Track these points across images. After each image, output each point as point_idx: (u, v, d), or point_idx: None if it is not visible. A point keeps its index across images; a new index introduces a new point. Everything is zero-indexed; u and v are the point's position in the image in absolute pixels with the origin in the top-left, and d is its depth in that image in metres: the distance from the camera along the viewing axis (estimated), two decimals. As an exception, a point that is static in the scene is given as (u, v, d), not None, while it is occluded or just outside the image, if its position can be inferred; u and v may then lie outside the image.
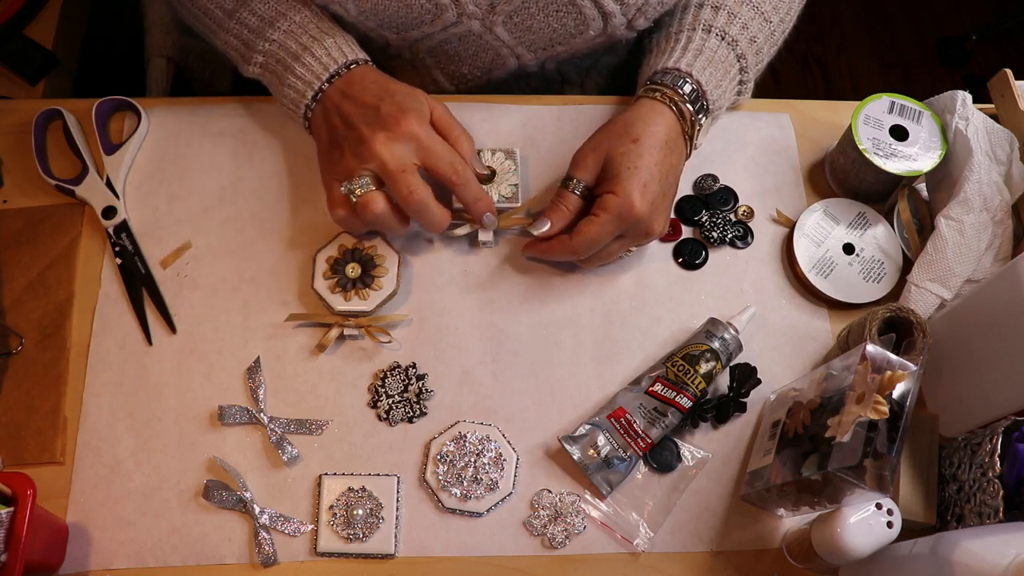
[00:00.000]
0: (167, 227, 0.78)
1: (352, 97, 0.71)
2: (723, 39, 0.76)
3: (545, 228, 0.72)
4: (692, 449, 0.72)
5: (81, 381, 0.72)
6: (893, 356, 0.61)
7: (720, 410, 0.73)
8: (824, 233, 0.80)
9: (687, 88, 0.73)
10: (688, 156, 0.76)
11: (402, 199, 0.69)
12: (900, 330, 0.72)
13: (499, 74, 0.85)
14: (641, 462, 0.72)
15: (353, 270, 0.74)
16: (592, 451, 0.70)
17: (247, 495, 0.68)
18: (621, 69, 0.94)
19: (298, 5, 0.75)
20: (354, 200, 0.70)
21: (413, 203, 0.69)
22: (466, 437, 0.71)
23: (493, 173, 0.78)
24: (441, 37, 0.79)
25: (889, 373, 0.58)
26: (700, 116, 0.74)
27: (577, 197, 0.72)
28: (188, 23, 0.82)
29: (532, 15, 0.75)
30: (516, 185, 0.77)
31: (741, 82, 0.79)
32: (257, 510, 0.68)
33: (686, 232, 0.81)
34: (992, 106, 0.83)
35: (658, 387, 0.71)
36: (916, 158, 0.77)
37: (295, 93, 0.74)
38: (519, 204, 0.77)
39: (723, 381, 0.74)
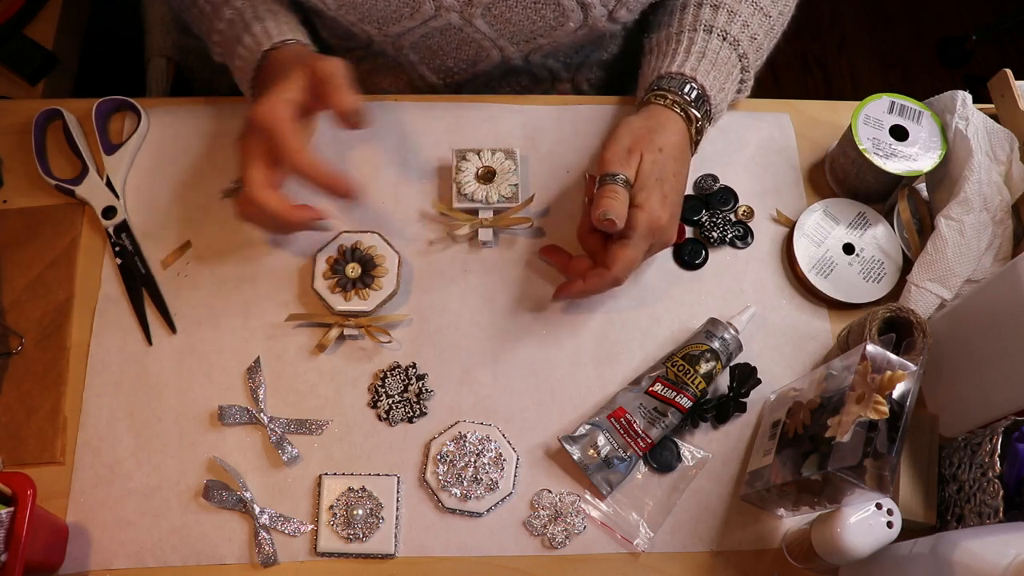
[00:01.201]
0: (167, 227, 0.78)
1: (263, 83, 0.72)
2: (725, 39, 0.76)
3: (619, 224, 0.67)
4: (692, 449, 0.72)
5: (81, 381, 0.72)
6: (893, 356, 0.61)
7: (720, 410, 0.73)
8: (824, 233, 0.80)
9: (693, 94, 0.73)
10: (690, 162, 0.76)
11: (248, 193, 0.67)
12: (900, 330, 0.72)
13: (484, 67, 0.85)
14: (641, 462, 0.72)
15: (353, 270, 0.74)
16: (592, 451, 0.70)
17: (247, 495, 0.68)
18: (614, 64, 0.94)
19: None
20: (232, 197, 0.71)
21: (255, 199, 0.67)
22: (466, 437, 0.71)
23: (493, 173, 0.78)
24: (422, 31, 0.79)
25: (889, 373, 0.58)
26: (704, 122, 0.74)
27: (624, 190, 0.68)
28: (182, 16, 0.82)
29: (510, 7, 0.75)
30: (516, 185, 0.77)
31: (742, 81, 0.79)
32: (257, 510, 0.68)
33: (686, 232, 0.81)
34: (992, 106, 0.83)
35: (658, 387, 0.71)
36: (916, 158, 0.77)
37: (241, 75, 0.75)
38: (518, 204, 0.77)
39: (723, 381, 0.74)
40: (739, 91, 0.79)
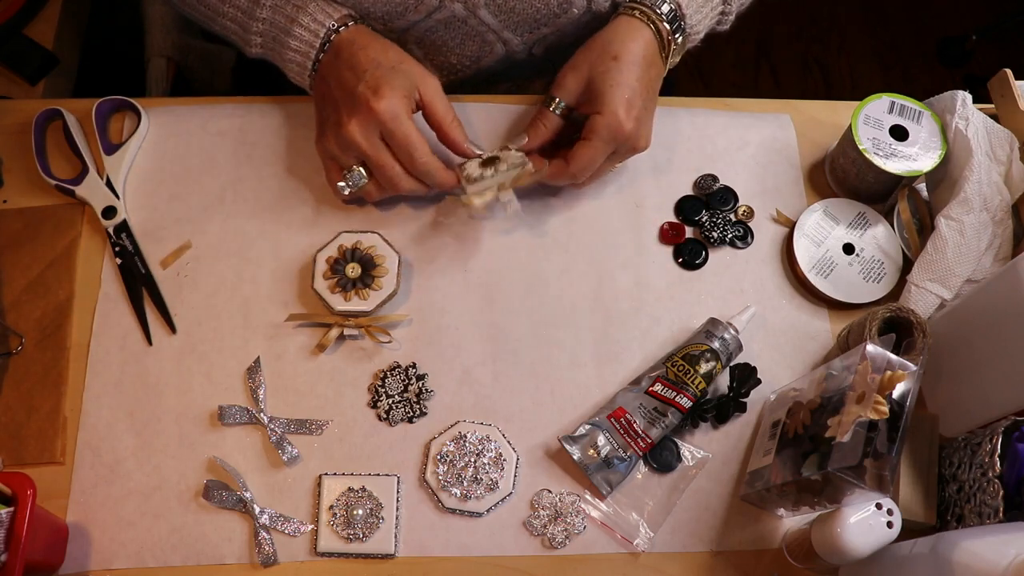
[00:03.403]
0: (167, 227, 0.78)
1: (337, 71, 0.72)
2: None
3: (523, 142, 0.75)
4: (692, 449, 0.72)
5: (81, 381, 0.72)
6: (893, 356, 0.61)
7: (720, 410, 0.73)
8: (824, 233, 0.80)
9: (665, 8, 0.74)
10: (663, 74, 0.77)
11: (388, 188, 0.74)
12: (900, 330, 0.72)
13: (488, 62, 0.86)
14: (641, 462, 0.72)
15: (353, 270, 0.74)
16: (592, 451, 0.70)
17: (247, 495, 0.68)
18: None
19: None
20: (355, 193, 0.74)
21: (399, 191, 0.73)
22: (466, 437, 0.71)
23: (496, 158, 0.75)
24: (427, 25, 0.79)
25: (889, 373, 0.58)
26: (676, 36, 0.75)
27: (557, 117, 0.75)
28: (186, 14, 0.82)
29: None
30: (521, 154, 0.74)
31: (723, 12, 0.80)
32: (257, 510, 0.68)
33: (686, 232, 0.81)
34: (992, 106, 0.83)
35: (658, 387, 0.71)
36: (916, 158, 0.77)
37: (297, 67, 0.75)
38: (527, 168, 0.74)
39: (723, 381, 0.74)
40: (719, 22, 0.80)
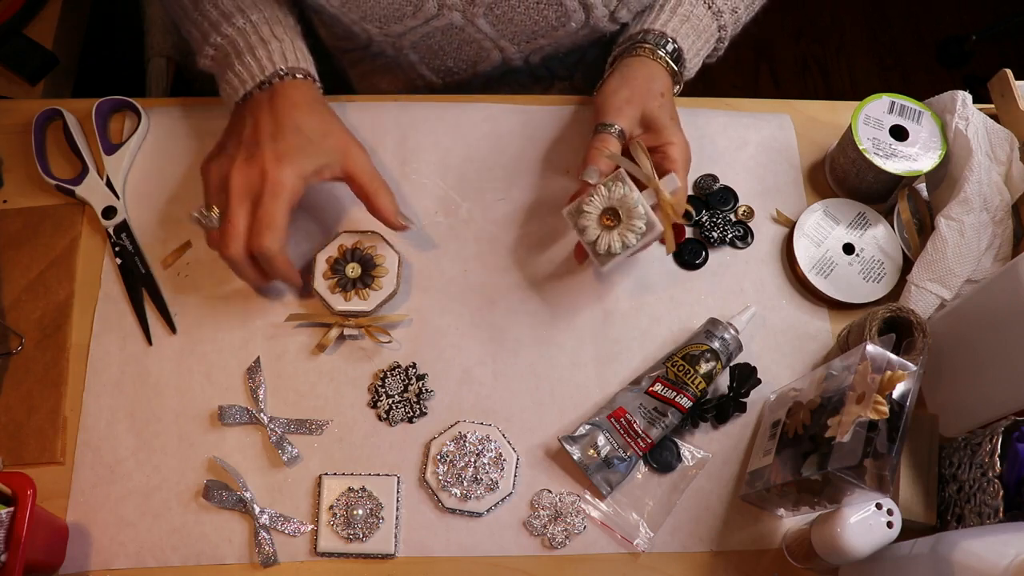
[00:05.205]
0: (167, 227, 0.78)
1: (258, 114, 0.69)
2: (710, 8, 0.78)
3: (596, 176, 0.69)
4: (692, 449, 0.72)
5: (81, 381, 0.72)
6: (893, 356, 0.61)
7: (720, 410, 0.73)
8: (824, 233, 0.80)
9: (672, 50, 0.76)
10: None
11: (220, 246, 0.68)
12: (900, 330, 0.72)
13: (484, 67, 0.86)
14: (641, 462, 0.72)
15: (353, 270, 0.74)
16: (592, 451, 0.70)
17: (247, 495, 0.68)
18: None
19: (262, 6, 0.73)
20: (201, 227, 0.71)
21: (226, 254, 0.67)
22: (466, 437, 0.71)
23: (615, 211, 0.69)
24: (424, 31, 0.79)
25: (889, 373, 0.58)
26: (680, 75, 0.77)
27: (615, 139, 0.72)
28: (166, 8, 0.81)
29: (513, 7, 0.76)
30: (643, 221, 0.68)
31: (715, 49, 0.82)
32: (257, 510, 0.68)
33: (686, 232, 0.81)
34: (992, 106, 0.83)
35: (658, 387, 0.71)
36: (916, 158, 0.77)
37: (230, 89, 0.72)
38: (653, 237, 0.69)
39: (723, 381, 0.74)
40: (709, 57, 0.82)
